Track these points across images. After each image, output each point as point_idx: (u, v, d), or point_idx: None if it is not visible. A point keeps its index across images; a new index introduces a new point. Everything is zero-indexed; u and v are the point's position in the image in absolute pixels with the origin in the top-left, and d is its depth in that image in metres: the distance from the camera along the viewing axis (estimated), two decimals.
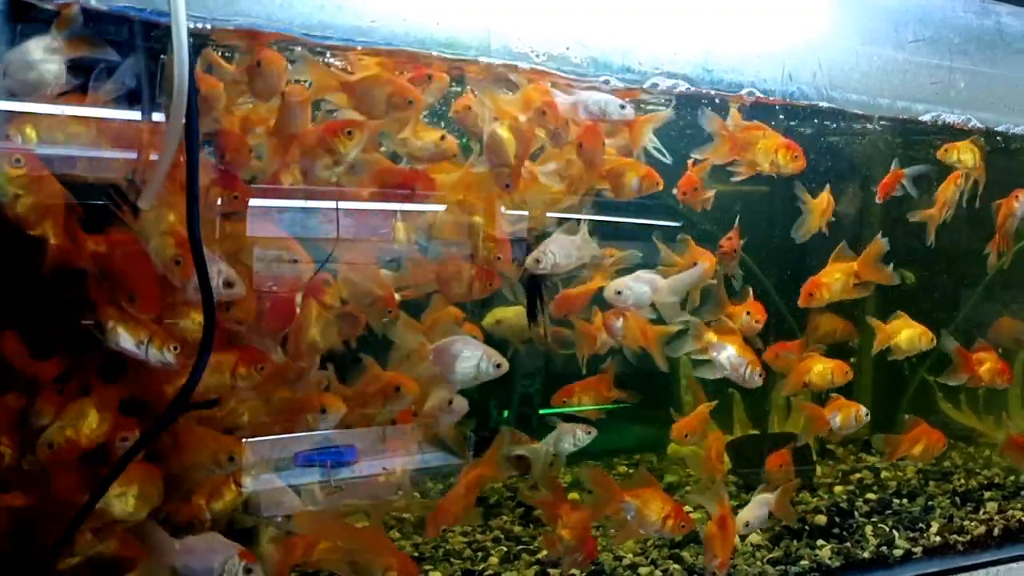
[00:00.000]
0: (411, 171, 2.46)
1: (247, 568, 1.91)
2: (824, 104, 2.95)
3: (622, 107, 2.51)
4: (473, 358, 2.33)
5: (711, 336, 2.73)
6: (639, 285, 2.61)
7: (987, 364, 3.37)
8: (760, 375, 2.75)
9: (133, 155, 2.04)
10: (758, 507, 2.78)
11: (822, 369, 3.01)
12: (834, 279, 2.99)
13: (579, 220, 2.67)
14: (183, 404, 1.90)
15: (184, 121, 1.84)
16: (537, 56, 2.44)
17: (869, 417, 3.02)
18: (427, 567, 2.62)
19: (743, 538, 2.89)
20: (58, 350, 2.00)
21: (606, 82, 2.58)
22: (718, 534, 2.55)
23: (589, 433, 2.65)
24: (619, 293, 2.59)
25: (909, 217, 3.39)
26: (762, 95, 2.83)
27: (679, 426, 2.86)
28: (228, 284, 2.00)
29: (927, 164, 3.29)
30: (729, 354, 2.72)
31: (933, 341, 3.20)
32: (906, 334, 3.17)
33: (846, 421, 2.98)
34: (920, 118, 3.21)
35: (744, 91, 2.80)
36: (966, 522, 3.29)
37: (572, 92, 2.51)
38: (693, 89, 2.71)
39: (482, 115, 2.43)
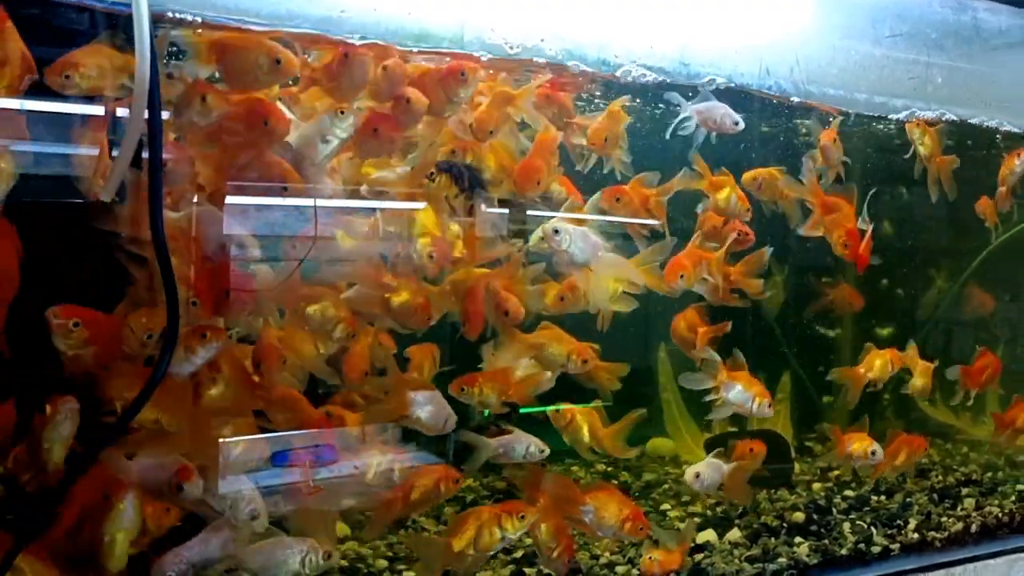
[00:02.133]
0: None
1: (179, 486, 1.96)
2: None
3: (736, 123, 2.67)
4: None
5: (724, 374, 2.78)
6: (582, 239, 2.47)
7: (989, 370, 3.51)
8: (769, 405, 2.82)
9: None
10: (712, 467, 2.80)
11: (882, 363, 3.16)
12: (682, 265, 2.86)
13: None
14: (144, 401, 1.87)
15: (146, 113, 1.80)
16: (511, 48, 2.41)
17: (879, 456, 3.09)
18: (401, 567, 2.59)
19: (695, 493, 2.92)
20: None
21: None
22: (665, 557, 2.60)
23: (543, 452, 2.63)
24: (556, 232, 2.41)
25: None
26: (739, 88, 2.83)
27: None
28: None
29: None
30: (736, 391, 2.79)
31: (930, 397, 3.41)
32: (922, 381, 3.34)
33: (858, 453, 3.09)
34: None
35: (706, 78, 2.79)
36: (944, 519, 3.29)
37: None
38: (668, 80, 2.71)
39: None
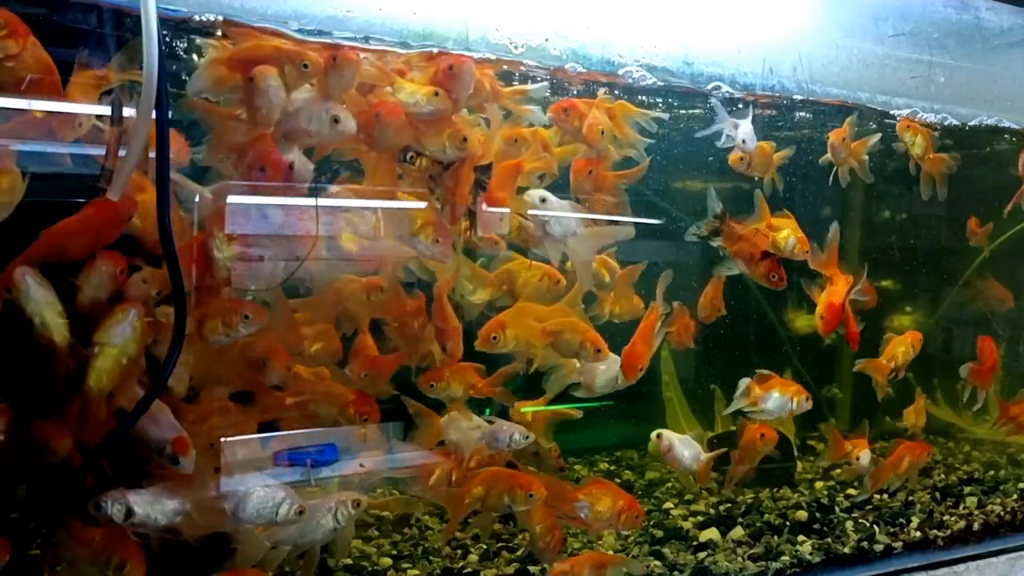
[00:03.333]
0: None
1: (174, 457, 1.97)
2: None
3: (743, 141, 2.76)
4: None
5: (757, 390, 2.86)
6: (564, 211, 2.52)
7: (993, 359, 3.57)
8: (808, 399, 2.92)
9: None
10: (685, 443, 2.83)
11: (904, 350, 3.21)
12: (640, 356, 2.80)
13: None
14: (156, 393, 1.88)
15: (154, 111, 1.81)
16: (516, 48, 2.42)
17: (864, 460, 3.14)
18: (405, 565, 2.59)
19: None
20: None
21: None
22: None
23: (527, 437, 2.63)
24: (543, 200, 2.48)
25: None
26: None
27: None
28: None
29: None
30: (775, 399, 2.87)
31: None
32: (915, 417, 3.46)
33: (862, 460, 3.15)
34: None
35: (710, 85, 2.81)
36: (946, 517, 3.30)
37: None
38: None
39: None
